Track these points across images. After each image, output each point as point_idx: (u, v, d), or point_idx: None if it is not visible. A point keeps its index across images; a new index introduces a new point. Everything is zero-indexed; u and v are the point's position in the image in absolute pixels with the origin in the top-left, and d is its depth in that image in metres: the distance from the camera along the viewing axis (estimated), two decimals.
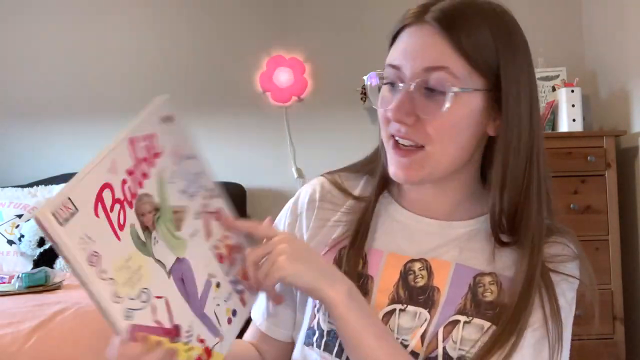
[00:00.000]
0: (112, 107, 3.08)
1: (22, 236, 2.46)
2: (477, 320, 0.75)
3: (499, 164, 0.74)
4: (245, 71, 3.05)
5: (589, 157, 2.37)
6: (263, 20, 3.07)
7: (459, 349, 0.74)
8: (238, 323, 0.74)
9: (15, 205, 2.62)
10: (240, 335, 0.85)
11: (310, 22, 3.04)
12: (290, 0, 3.07)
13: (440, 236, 0.80)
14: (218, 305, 0.70)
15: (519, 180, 0.75)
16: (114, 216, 0.60)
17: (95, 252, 0.57)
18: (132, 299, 0.60)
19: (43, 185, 2.86)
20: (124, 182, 0.61)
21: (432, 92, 0.71)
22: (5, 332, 1.45)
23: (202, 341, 0.67)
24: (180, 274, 0.67)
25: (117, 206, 0.60)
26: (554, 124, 2.58)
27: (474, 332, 0.74)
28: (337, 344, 0.77)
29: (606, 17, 2.74)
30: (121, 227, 0.60)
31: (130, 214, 0.62)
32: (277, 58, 3.03)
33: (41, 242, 2.45)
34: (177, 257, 0.66)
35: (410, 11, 0.75)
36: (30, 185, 2.89)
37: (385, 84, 0.76)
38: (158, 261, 0.64)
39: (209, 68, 3.08)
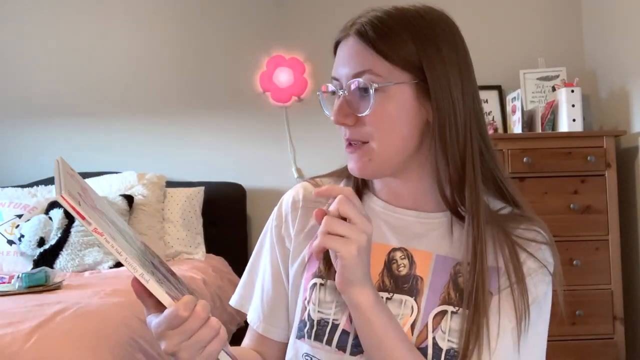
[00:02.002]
0: (112, 107, 3.08)
1: (22, 236, 2.46)
2: (463, 310, 0.78)
3: (440, 143, 0.80)
4: (245, 71, 3.05)
5: (589, 157, 2.37)
6: (263, 20, 3.07)
7: (448, 340, 0.78)
8: None
9: (15, 205, 2.62)
10: (239, 340, 0.86)
11: (310, 22, 3.04)
12: (290, 1, 3.07)
13: (418, 226, 0.85)
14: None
15: (459, 161, 0.80)
16: (100, 215, 0.65)
17: (110, 234, 0.62)
18: (152, 273, 0.64)
19: (43, 185, 2.86)
20: (84, 193, 0.67)
21: (365, 92, 0.79)
22: (5, 332, 1.45)
23: None
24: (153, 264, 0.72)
25: (91, 208, 0.65)
26: (554, 124, 2.58)
27: (461, 322, 0.78)
28: (326, 332, 0.81)
29: (606, 17, 2.74)
30: (107, 223, 0.65)
31: (102, 216, 0.67)
32: (277, 58, 3.03)
33: (41, 242, 2.45)
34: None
35: (341, 28, 0.84)
36: (30, 185, 2.90)
37: (333, 93, 0.84)
38: (143, 257, 0.69)
39: (209, 68, 3.08)
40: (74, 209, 0.59)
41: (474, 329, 0.76)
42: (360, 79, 0.78)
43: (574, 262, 2.35)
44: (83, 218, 0.60)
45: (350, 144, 0.82)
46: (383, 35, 0.79)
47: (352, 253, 0.70)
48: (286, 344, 0.89)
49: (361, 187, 0.91)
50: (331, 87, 0.84)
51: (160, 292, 0.63)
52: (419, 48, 0.78)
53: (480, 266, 0.77)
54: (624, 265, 2.40)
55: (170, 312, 0.63)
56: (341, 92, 0.81)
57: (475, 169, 0.81)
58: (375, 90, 0.78)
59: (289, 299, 0.90)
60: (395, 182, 0.86)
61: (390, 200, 0.88)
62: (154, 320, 0.66)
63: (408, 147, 0.81)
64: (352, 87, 0.80)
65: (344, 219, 0.72)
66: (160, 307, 0.65)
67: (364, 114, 0.79)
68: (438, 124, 0.79)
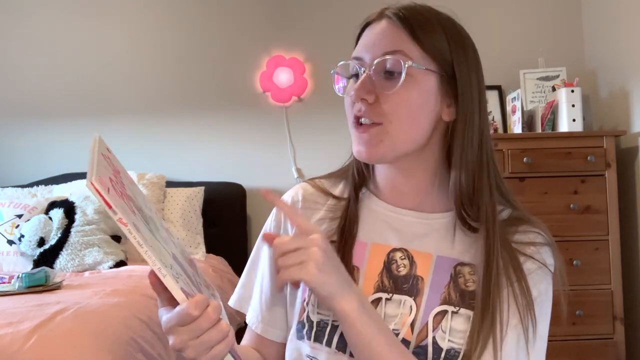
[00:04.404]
0: (112, 107, 3.08)
1: (22, 236, 2.46)
2: (463, 311, 0.79)
3: (458, 145, 0.81)
4: (245, 71, 3.06)
5: (589, 157, 2.37)
6: (263, 20, 3.07)
7: (449, 340, 0.78)
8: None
9: (15, 205, 2.62)
10: (237, 341, 0.86)
11: (310, 22, 3.04)
12: (290, 0, 3.07)
13: (418, 227, 0.85)
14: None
15: (475, 162, 0.81)
16: (126, 202, 0.65)
17: (134, 224, 0.62)
18: (169, 268, 0.64)
19: (43, 185, 2.86)
20: (115, 180, 0.66)
21: (390, 75, 0.79)
22: (5, 332, 1.45)
23: None
24: (177, 260, 0.71)
25: (123, 196, 0.65)
26: (554, 124, 2.58)
27: (462, 322, 0.78)
28: (326, 334, 0.81)
29: (606, 17, 2.74)
30: (134, 211, 0.65)
31: (133, 206, 0.66)
32: (277, 58, 3.03)
33: (41, 242, 2.45)
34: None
35: (371, 13, 0.85)
36: (30, 185, 2.90)
37: (350, 76, 0.84)
38: (164, 247, 0.68)
39: (209, 68, 3.08)
40: (102, 196, 0.59)
41: (484, 331, 0.75)
42: (390, 58, 0.78)
43: (574, 262, 2.36)
44: (110, 207, 0.60)
45: (360, 124, 0.81)
46: (420, 22, 0.80)
47: (312, 273, 0.71)
48: (284, 345, 0.89)
49: (359, 188, 0.91)
50: (355, 66, 0.82)
51: (175, 288, 0.63)
52: (451, 45, 0.80)
53: (495, 272, 0.77)
54: (624, 265, 2.40)
55: (181, 309, 0.63)
56: (365, 70, 0.80)
57: (490, 173, 0.82)
58: (404, 72, 0.77)
59: (287, 300, 0.90)
60: (398, 179, 0.86)
61: (392, 200, 0.88)
62: (165, 315, 0.66)
63: (419, 138, 0.81)
64: (381, 65, 0.79)
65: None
66: (173, 301, 0.65)
67: (389, 92, 0.78)
68: (464, 123, 0.80)
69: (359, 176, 0.90)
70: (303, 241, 0.72)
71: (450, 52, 0.80)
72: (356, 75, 0.82)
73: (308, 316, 0.83)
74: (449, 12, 0.84)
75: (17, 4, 3.11)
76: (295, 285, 0.77)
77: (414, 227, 0.85)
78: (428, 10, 0.82)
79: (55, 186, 2.83)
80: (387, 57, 0.78)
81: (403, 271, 0.82)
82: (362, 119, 0.81)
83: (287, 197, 0.95)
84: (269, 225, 0.94)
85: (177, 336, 0.64)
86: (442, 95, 0.81)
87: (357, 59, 0.82)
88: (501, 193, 0.85)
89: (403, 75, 0.77)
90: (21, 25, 3.11)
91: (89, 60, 3.10)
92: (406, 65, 0.77)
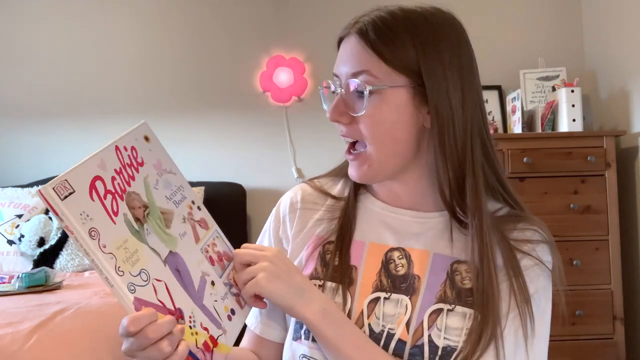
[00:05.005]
0: (112, 107, 3.08)
1: (22, 236, 2.46)
2: (459, 308, 0.79)
3: (435, 148, 0.80)
4: (245, 71, 3.06)
5: (589, 157, 2.37)
6: (263, 20, 3.07)
7: (445, 338, 0.78)
8: (238, 321, 0.78)
9: (15, 205, 2.62)
10: (236, 343, 0.85)
11: (310, 22, 3.04)
12: (290, 0, 3.07)
13: (415, 226, 0.85)
14: (216, 301, 0.75)
15: (460, 163, 0.80)
16: (107, 203, 0.65)
17: (94, 228, 0.63)
18: (133, 275, 0.65)
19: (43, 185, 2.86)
20: (113, 178, 0.67)
21: (359, 95, 0.79)
22: (5, 332, 1.45)
23: (206, 329, 0.72)
24: (175, 265, 0.71)
25: (109, 196, 0.66)
26: (554, 124, 2.58)
27: (457, 320, 0.78)
28: None
29: (606, 17, 2.74)
30: (115, 213, 0.66)
31: (122, 205, 0.67)
32: (277, 58, 3.03)
33: (41, 242, 2.45)
34: (170, 250, 0.71)
35: (346, 24, 0.84)
36: (30, 185, 2.90)
37: (333, 92, 0.85)
38: (153, 249, 0.69)
39: (209, 68, 3.08)
40: (48, 203, 0.60)
41: (481, 329, 0.75)
42: (357, 80, 0.79)
43: (574, 262, 2.35)
44: (56, 214, 0.61)
45: (350, 152, 0.84)
46: (383, 37, 0.78)
47: (261, 285, 0.75)
48: (279, 346, 0.89)
49: (358, 188, 0.92)
50: (332, 85, 0.84)
51: (123, 299, 0.64)
52: (419, 52, 0.78)
53: (488, 268, 0.77)
54: (624, 265, 2.40)
55: (122, 322, 0.63)
56: (339, 90, 0.82)
57: (476, 174, 0.80)
58: (370, 92, 0.78)
59: None
60: (393, 184, 0.87)
61: (388, 200, 0.88)
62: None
63: (403, 150, 0.82)
64: (350, 87, 0.80)
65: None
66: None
67: (357, 115, 0.79)
68: (437, 130, 0.79)
69: None
70: (253, 255, 0.78)
71: (418, 61, 0.77)
72: (333, 90, 0.84)
73: None
74: (423, 7, 0.82)
75: (17, 4, 3.11)
76: (258, 299, 0.80)
77: (411, 226, 0.86)
78: (396, 17, 0.79)
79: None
80: (352, 80, 0.79)
81: (401, 271, 0.83)
82: (346, 139, 0.84)
83: (286, 198, 0.95)
84: (269, 226, 0.94)
85: (124, 343, 0.65)
86: (417, 106, 0.79)
87: (336, 75, 0.84)
88: (500, 192, 0.85)
89: (365, 98, 0.78)
90: (21, 25, 3.11)
91: (89, 60, 3.10)
92: (369, 88, 0.78)
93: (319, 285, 0.83)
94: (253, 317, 0.92)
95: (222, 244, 0.81)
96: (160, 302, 0.67)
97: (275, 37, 3.05)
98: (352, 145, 0.84)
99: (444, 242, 0.83)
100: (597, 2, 2.82)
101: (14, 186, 2.88)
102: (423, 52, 0.78)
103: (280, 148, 3.05)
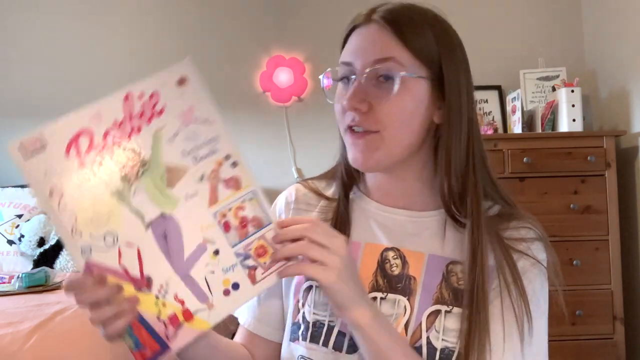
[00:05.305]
0: None
1: (22, 236, 2.46)
2: (456, 309, 0.78)
3: (444, 146, 0.80)
4: (245, 71, 3.05)
5: (589, 157, 2.37)
6: (263, 20, 3.07)
7: (443, 339, 0.77)
8: (240, 297, 0.69)
9: (15, 205, 2.62)
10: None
11: (310, 22, 3.04)
12: (290, 1, 3.07)
13: (410, 226, 0.84)
14: (213, 272, 0.68)
15: (462, 161, 0.80)
16: (87, 159, 0.63)
17: (57, 186, 0.61)
18: (94, 237, 0.63)
19: None
20: (107, 132, 0.64)
21: (382, 82, 0.78)
22: (5, 332, 1.45)
23: (181, 302, 0.66)
24: (163, 230, 0.66)
25: (92, 152, 0.63)
26: (554, 124, 2.58)
27: (455, 321, 0.78)
28: (322, 334, 0.80)
29: (606, 17, 2.74)
30: (93, 171, 0.63)
31: (108, 162, 0.64)
32: (277, 58, 3.03)
33: (41, 242, 2.45)
34: (162, 213, 0.66)
35: (357, 15, 0.83)
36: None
37: (340, 79, 0.83)
38: (136, 211, 0.65)
39: (208, 68, 3.08)
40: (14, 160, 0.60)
41: (475, 329, 0.75)
42: (382, 66, 0.77)
43: (574, 262, 2.35)
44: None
45: (353, 131, 0.80)
46: (409, 26, 0.78)
47: (330, 279, 0.67)
48: (278, 346, 0.88)
49: (349, 188, 0.90)
50: (343, 72, 0.81)
51: (73, 259, 0.63)
52: (440, 45, 0.79)
53: (480, 268, 0.77)
54: (624, 265, 2.40)
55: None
56: (357, 77, 0.79)
57: (477, 172, 0.81)
58: (397, 79, 0.77)
59: (283, 299, 0.89)
60: (388, 181, 0.86)
61: (382, 200, 0.87)
62: None
63: (414, 143, 0.81)
64: (374, 73, 0.78)
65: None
66: None
67: (380, 101, 0.77)
68: (447, 126, 0.80)
69: (348, 177, 0.90)
70: (330, 241, 0.68)
71: (439, 55, 0.79)
72: (346, 79, 0.82)
73: (304, 317, 0.83)
74: (434, 8, 0.83)
75: (17, 4, 3.11)
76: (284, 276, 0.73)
77: (406, 226, 0.85)
78: (415, 11, 0.81)
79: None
80: (379, 65, 0.77)
81: (396, 270, 0.82)
82: (355, 128, 0.80)
83: (281, 198, 0.95)
84: None
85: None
86: (433, 99, 0.80)
87: (347, 64, 0.81)
88: (495, 190, 0.85)
89: (397, 84, 0.77)
90: (21, 24, 3.11)
91: (89, 61, 3.10)
92: (400, 75, 0.77)
93: (316, 287, 0.83)
94: (247, 314, 0.91)
95: (255, 208, 0.70)
96: (124, 268, 0.64)
97: (275, 37, 3.05)
98: (351, 127, 0.81)
99: (438, 243, 0.83)
100: (597, 2, 2.82)
101: (14, 186, 2.88)
102: (443, 47, 0.79)
103: (280, 148, 3.05)
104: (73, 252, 0.62)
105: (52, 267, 2.34)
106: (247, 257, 0.69)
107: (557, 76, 2.75)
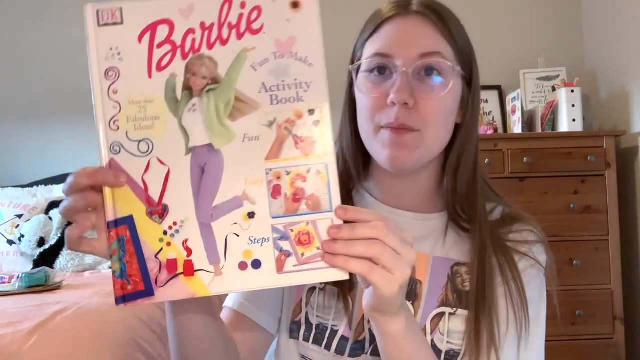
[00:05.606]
0: None
1: (22, 236, 2.46)
2: (461, 311, 0.77)
3: (459, 147, 0.79)
4: None
5: (589, 157, 2.37)
6: None
7: (447, 342, 0.76)
8: (253, 280, 0.55)
9: (15, 205, 2.62)
10: None
11: None
12: None
13: (416, 228, 0.81)
14: (237, 236, 0.55)
15: (470, 166, 0.79)
16: (157, 52, 0.55)
17: (116, 69, 0.55)
18: (130, 138, 0.55)
19: (43, 185, 2.86)
20: (190, 31, 0.55)
21: (424, 77, 0.74)
22: (5, 332, 1.45)
23: (188, 251, 0.55)
24: (204, 162, 0.55)
25: (167, 46, 0.55)
26: (554, 124, 2.58)
27: (459, 323, 0.77)
28: (325, 337, 0.79)
29: (606, 17, 2.74)
30: (159, 67, 0.55)
31: (179, 64, 0.55)
32: None
33: (41, 242, 2.45)
34: (211, 144, 0.55)
35: (391, 5, 0.78)
36: (30, 185, 2.89)
37: (372, 69, 0.76)
38: (182, 128, 0.55)
39: None
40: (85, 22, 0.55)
41: (482, 331, 0.74)
42: (431, 60, 0.73)
43: (574, 262, 2.35)
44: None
45: (391, 129, 0.74)
46: (452, 20, 0.76)
47: (393, 290, 0.56)
48: (264, 334, 0.82)
49: (352, 188, 0.87)
50: (374, 63, 0.75)
51: (100, 151, 0.56)
52: (472, 49, 0.78)
53: (488, 271, 0.76)
54: (624, 265, 2.40)
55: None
56: (402, 70, 0.73)
57: (480, 174, 0.81)
58: (443, 76, 0.73)
59: (283, 292, 0.85)
60: (401, 182, 0.82)
61: (389, 201, 0.84)
62: None
63: (445, 143, 0.79)
64: (421, 67, 0.73)
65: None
66: None
67: (431, 97, 0.73)
68: (469, 126, 0.79)
69: (347, 177, 0.84)
70: (404, 248, 0.56)
71: (472, 53, 0.78)
72: (377, 71, 0.76)
73: (307, 318, 0.81)
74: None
75: (17, 4, 3.11)
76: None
77: (412, 229, 0.78)
78: (447, 8, 0.78)
79: (55, 186, 2.83)
80: (428, 59, 0.73)
81: None
82: (394, 124, 0.73)
83: None
84: None
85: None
86: (461, 99, 0.79)
87: (384, 55, 0.75)
88: (492, 191, 0.85)
89: (452, 81, 0.73)
90: (21, 25, 3.11)
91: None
92: (457, 70, 0.74)
93: (320, 289, 0.81)
94: (236, 297, 0.82)
95: (319, 185, 0.56)
96: (145, 184, 0.55)
97: None
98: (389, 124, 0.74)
99: (441, 244, 0.82)
100: (597, 2, 2.82)
101: (14, 186, 2.88)
102: (471, 46, 0.78)
103: None
104: (102, 145, 0.55)
105: (52, 267, 2.34)
106: (284, 237, 0.55)
107: (557, 76, 2.75)
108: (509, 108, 2.78)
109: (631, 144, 2.54)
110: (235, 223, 0.55)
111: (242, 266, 0.55)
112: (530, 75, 2.77)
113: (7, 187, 2.87)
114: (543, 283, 0.81)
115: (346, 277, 0.55)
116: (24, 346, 1.40)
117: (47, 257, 2.40)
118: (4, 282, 2.03)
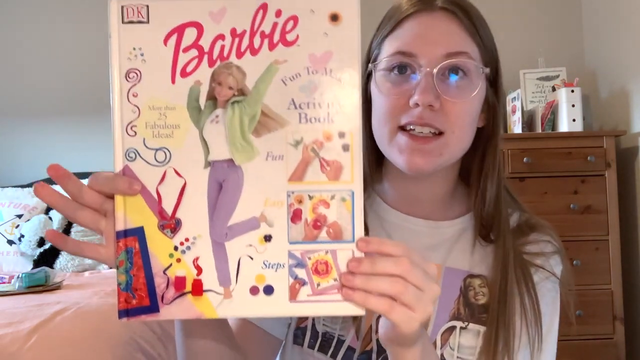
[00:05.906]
0: None
1: (22, 236, 2.46)
2: (472, 326, 0.75)
3: (483, 153, 0.76)
4: None
5: (589, 157, 2.37)
6: None
7: (458, 357, 0.74)
8: (264, 307, 0.53)
9: (15, 205, 2.62)
10: None
11: None
12: None
13: (428, 237, 0.79)
14: (251, 258, 0.52)
15: (496, 172, 0.77)
16: (182, 57, 0.52)
17: (137, 71, 0.52)
18: (147, 146, 0.52)
19: None
20: (219, 36, 0.51)
21: (452, 78, 0.70)
22: (5, 332, 1.45)
23: (198, 269, 0.52)
24: (223, 178, 0.52)
25: (193, 51, 0.52)
26: (554, 124, 2.58)
27: (471, 337, 0.74)
28: (332, 346, 0.77)
29: (606, 17, 2.74)
30: (184, 73, 0.52)
31: (205, 71, 0.52)
32: None
33: (41, 242, 2.45)
34: (231, 159, 0.52)
35: (413, 0, 0.73)
36: (30, 185, 2.89)
37: (392, 68, 0.72)
38: (203, 140, 0.52)
39: None
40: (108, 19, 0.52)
41: (497, 348, 0.71)
42: (458, 60, 0.69)
43: (574, 262, 2.35)
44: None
45: (413, 133, 0.70)
46: (479, 18, 0.72)
47: (414, 329, 0.52)
48: (273, 340, 0.80)
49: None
50: (394, 62, 0.71)
51: (114, 157, 0.53)
52: (495, 46, 0.75)
53: (510, 285, 0.73)
54: (624, 265, 2.40)
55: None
56: (426, 70, 0.69)
57: (503, 179, 0.78)
58: (471, 77, 0.69)
59: None
60: (416, 187, 0.78)
61: (401, 207, 0.80)
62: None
63: (467, 148, 0.75)
64: (447, 67, 0.69)
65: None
66: None
67: (459, 99, 0.69)
68: (495, 129, 0.76)
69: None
70: (427, 284, 0.52)
71: (496, 53, 0.75)
72: (397, 70, 0.71)
73: (313, 326, 0.79)
74: None
75: (17, 4, 3.11)
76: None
77: (424, 237, 0.79)
78: (473, 6, 0.73)
79: (55, 186, 2.82)
80: (455, 59, 0.69)
81: None
82: (419, 128, 0.69)
83: None
84: None
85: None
86: (485, 101, 0.75)
87: (406, 54, 0.70)
88: (509, 194, 0.82)
89: (481, 82, 0.70)
90: (21, 25, 3.11)
91: (89, 60, 3.09)
92: (486, 71, 0.71)
93: None
94: None
95: (342, 214, 0.52)
96: (159, 195, 0.52)
97: None
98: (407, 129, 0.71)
99: (456, 254, 0.78)
100: (597, 2, 2.82)
101: (14, 186, 2.88)
102: (496, 46, 0.75)
103: None
104: (117, 150, 0.53)
105: (52, 267, 2.34)
106: (300, 264, 0.52)
107: (557, 76, 2.75)
108: (509, 108, 2.78)
109: (631, 144, 2.54)
110: (251, 245, 0.52)
111: (254, 291, 0.52)
112: (530, 75, 2.77)
113: (7, 187, 2.87)
114: (557, 294, 0.78)
115: (362, 313, 0.52)
116: (24, 346, 1.40)
117: (47, 257, 2.40)
118: (4, 282, 2.03)
